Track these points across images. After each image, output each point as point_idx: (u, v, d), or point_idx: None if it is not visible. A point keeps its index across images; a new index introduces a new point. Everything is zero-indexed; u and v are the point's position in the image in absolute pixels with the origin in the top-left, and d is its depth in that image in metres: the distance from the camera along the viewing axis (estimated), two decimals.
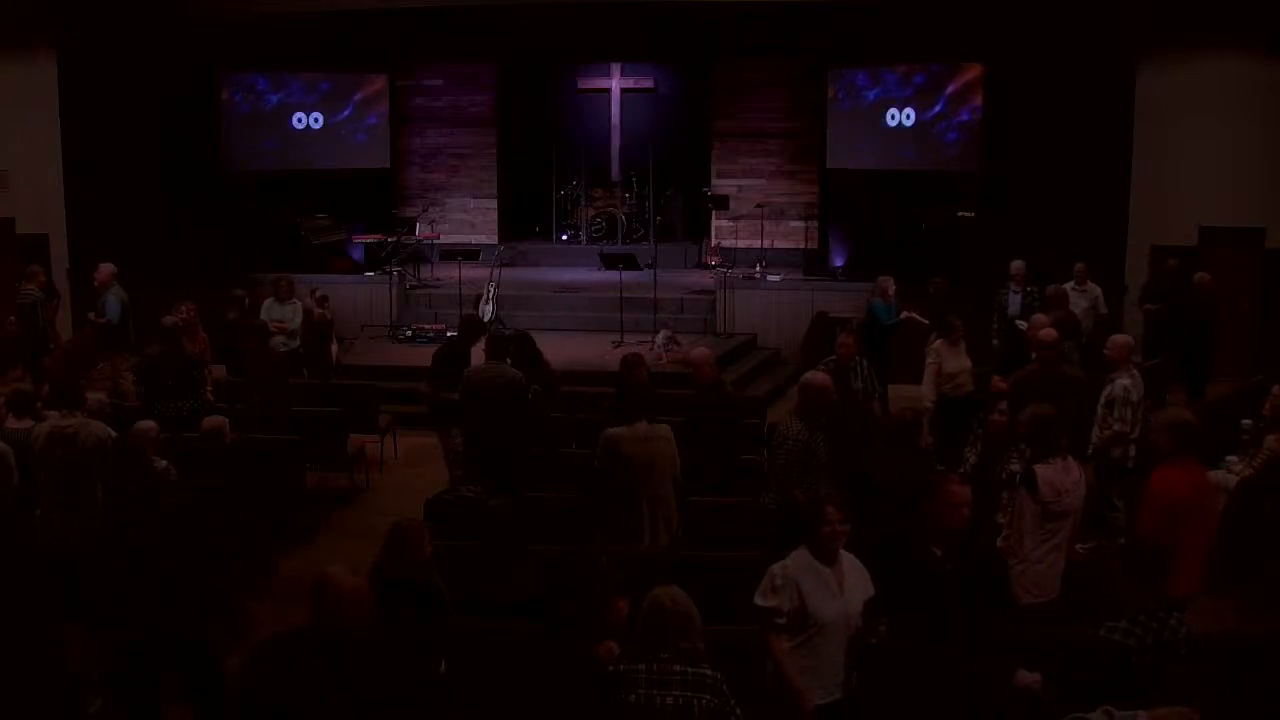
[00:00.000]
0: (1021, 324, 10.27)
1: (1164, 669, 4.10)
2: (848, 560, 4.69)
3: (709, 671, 3.84)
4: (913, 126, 15.37)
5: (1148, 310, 12.33)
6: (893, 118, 15.51)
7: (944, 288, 12.12)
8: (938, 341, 9.31)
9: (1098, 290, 11.64)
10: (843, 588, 4.61)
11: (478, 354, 8.71)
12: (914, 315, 11.59)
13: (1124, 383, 7.65)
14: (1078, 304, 11.25)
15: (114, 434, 6.70)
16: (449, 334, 11.89)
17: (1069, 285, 11.24)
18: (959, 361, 9.25)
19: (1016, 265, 11.59)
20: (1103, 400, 7.72)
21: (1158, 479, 5.59)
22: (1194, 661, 4.23)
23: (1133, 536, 4.59)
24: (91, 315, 11.31)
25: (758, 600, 4.61)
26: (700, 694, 3.79)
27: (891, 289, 11.36)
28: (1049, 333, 8.29)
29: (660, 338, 12.72)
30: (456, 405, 8.17)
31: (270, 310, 11.49)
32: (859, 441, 7.16)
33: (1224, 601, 5.72)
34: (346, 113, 16.71)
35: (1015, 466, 6.44)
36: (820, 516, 4.59)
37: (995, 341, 11.30)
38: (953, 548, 4.67)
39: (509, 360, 8.26)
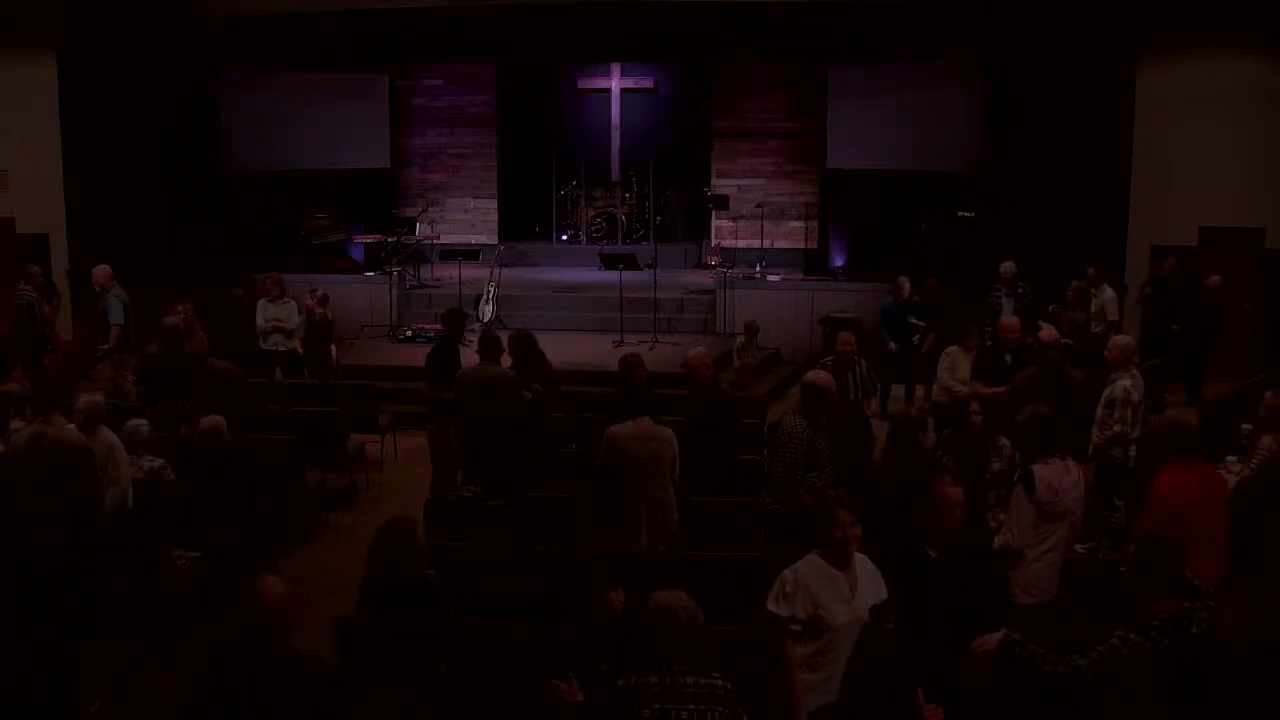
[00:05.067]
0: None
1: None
2: (860, 562, 4.55)
3: (720, 682, 3.78)
4: (913, 126, 15.33)
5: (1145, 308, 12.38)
6: (893, 118, 15.47)
7: (935, 288, 12.11)
8: (952, 348, 9.39)
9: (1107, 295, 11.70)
10: (854, 591, 4.49)
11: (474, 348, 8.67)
12: (909, 316, 11.64)
13: (1124, 383, 7.65)
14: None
15: (86, 439, 6.63)
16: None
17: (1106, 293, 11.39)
18: (969, 369, 9.31)
19: (1006, 267, 11.58)
20: (1103, 401, 7.73)
21: (1159, 484, 5.61)
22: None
23: (1141, 538, 4.53)
24: (102, 349, 11.18)
25: (770, 606, 4.49)
26: (713, 706, 3.73)
27: (905, 289, 11.64)
28: (1049, 332, 8.37)
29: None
30: (456, 404, 8.17)
31: (264, 310, 11.46)
32: (861, 440, 7.16)
33: (1223, 601, 5.71)
34: (347, 113, 16.69)
35: (996, 466, 6.45)
36: (831, 520, 4.45)
37: (989, 343, 11.30)
38: (948, 549, 4.66)
39: (510, 360, 8.25)
